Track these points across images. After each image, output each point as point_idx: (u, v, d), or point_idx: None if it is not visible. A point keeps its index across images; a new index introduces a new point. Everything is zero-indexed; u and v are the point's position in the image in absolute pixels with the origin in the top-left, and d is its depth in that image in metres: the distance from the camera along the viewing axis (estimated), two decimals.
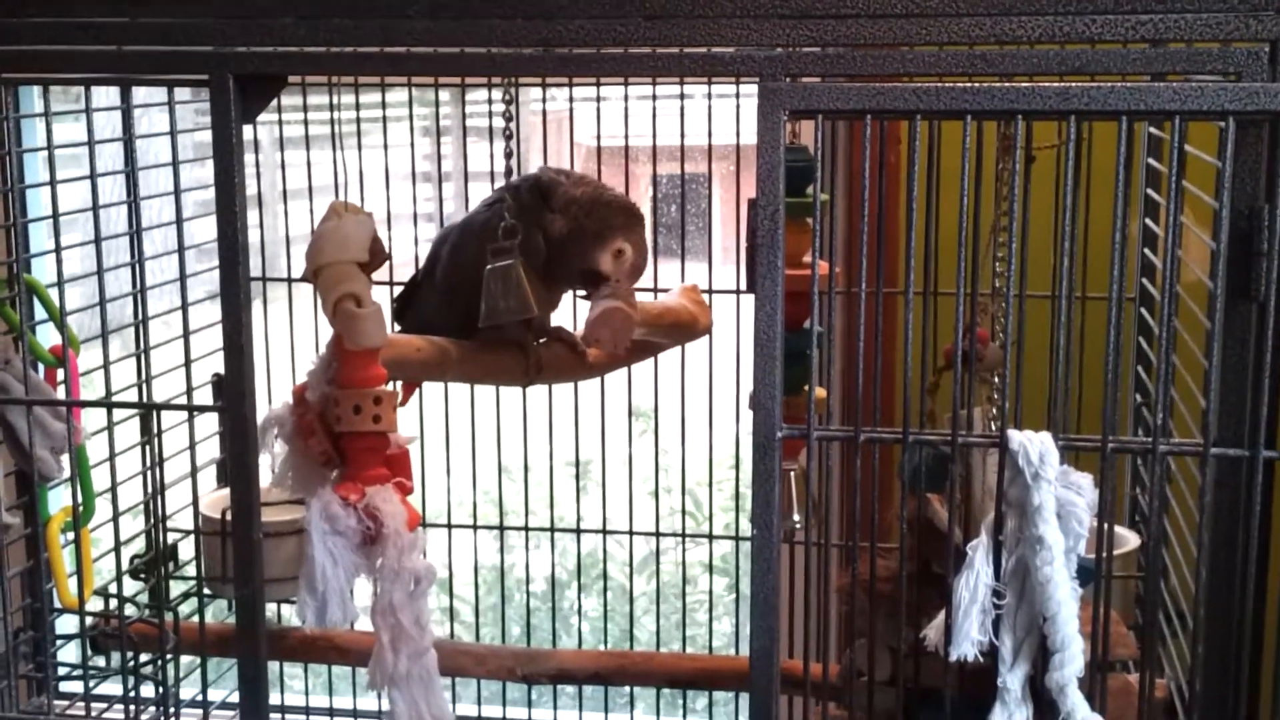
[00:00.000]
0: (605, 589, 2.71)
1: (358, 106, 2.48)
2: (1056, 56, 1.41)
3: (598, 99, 2.45)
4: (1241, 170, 1.34)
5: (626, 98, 2.39)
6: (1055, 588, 1.37)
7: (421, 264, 2.10)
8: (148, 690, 2.22)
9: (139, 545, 2.32)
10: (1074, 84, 1.32)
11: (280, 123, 2.47)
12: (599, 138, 2.48)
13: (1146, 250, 2.14)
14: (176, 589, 2.33)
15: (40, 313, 2.14)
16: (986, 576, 1.41)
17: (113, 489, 2.15)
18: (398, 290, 2.16)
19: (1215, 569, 1.40)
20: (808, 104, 1.35)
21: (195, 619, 2.29)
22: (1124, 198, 1.35)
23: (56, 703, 2.29)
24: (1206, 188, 1.45)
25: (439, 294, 2.00)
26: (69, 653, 2.47)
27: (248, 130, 1.61)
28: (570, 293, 2.06)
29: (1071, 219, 1.38)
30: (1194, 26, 1.37)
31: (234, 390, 1.63)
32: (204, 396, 2.31)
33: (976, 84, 1.35)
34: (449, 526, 2.62)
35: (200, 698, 2.33)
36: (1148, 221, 2.12)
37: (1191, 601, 1.50)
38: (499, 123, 1.99)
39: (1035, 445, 1.37)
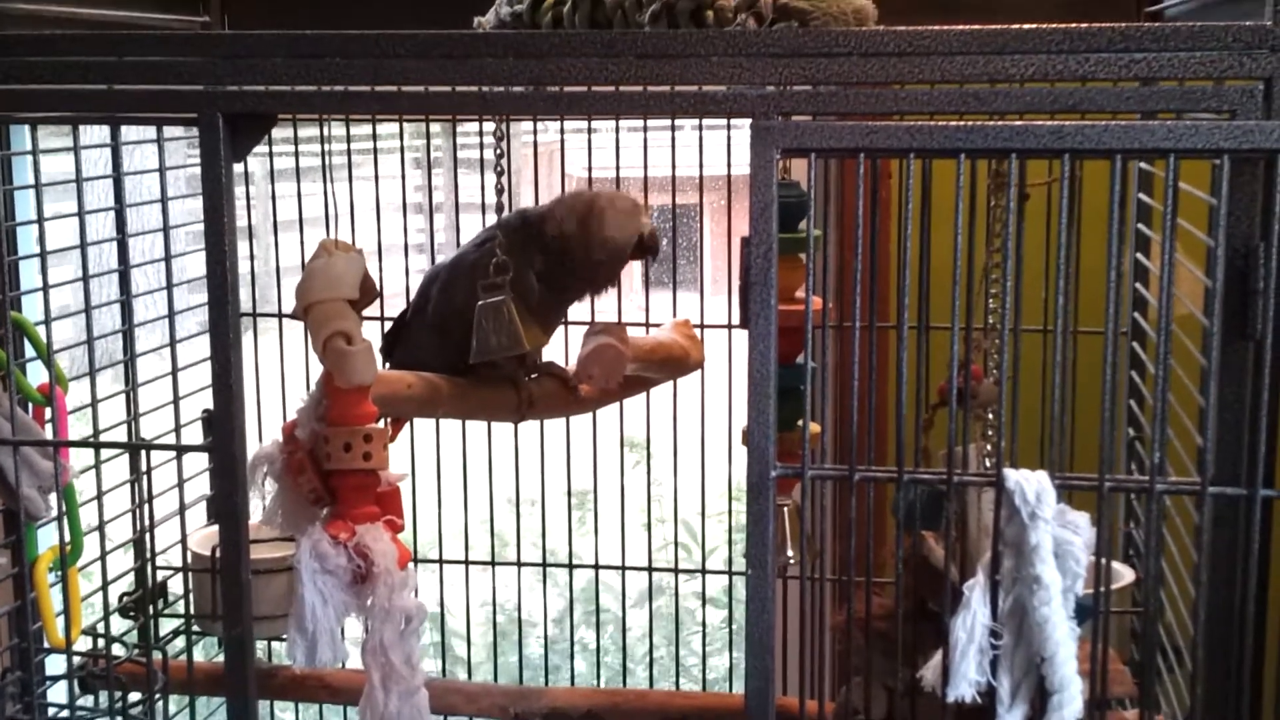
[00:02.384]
0: (598, 624, 2.69)
1: (348, 139, 2.48)
2: (1048, 95, 1.41)
3: (589, 131, 2.44)
4: (1237, 208, 1.34)
5: (618, 130, 2.38)
6: (1053, 628, 1.35)
7: (410, 301, 2.09)
8: None
9: (127, 584, 2.30)
10: (1068, 123, 1.31)
11: (271, 155, 2.47)
12: (590, 169, 2.48)
13: (1138, 285, 2.14)
14: (166, 627, 2.31)
15: (29, 350, 2.12)
16: (984, 616, 1.39)
17: (100, 527, 2.14)
18: (388, 326, 2.15)
19: (1214, 608, 1.39)
20: (800, 143, 1.35)
21: (184, 658, 2.27)
22: (1118, 235, 1.35)
23: None
24: (1199, 223, 1.45)
25: (430, 333, 1.99)
26: (57, 693, 2.44)
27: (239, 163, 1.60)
28: (561, 329, 2.05)
29: (1065, 255, 1.37)
30: (1187, 65, 1.37)
31: (223, 429, 1.61)
32: (194, 432, 2.30)
33: (969, 123, 1.34)
34: (440, 562, 2.61)
35: None
36: (1139, 256, 2.12)
37: (1188, 638, 1.49)
38: (490, 155, 1.98)
39: (1032, 484, 1.35)
